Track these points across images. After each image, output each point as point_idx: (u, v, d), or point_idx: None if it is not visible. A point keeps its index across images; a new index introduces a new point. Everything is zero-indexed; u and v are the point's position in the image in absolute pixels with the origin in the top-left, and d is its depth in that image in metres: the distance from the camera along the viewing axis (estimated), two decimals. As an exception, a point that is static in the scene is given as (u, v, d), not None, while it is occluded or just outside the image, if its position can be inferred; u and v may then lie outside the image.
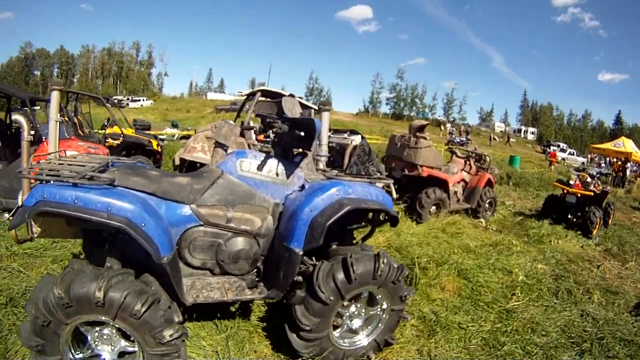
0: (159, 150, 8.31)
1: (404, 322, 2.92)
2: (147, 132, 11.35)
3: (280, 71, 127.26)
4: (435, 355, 2.81)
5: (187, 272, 2.45)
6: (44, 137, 5.08)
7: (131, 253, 2.32)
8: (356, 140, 6.00)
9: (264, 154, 2.55)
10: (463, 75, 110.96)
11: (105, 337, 2.14)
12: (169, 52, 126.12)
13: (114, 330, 2.12)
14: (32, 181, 2.24)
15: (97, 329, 2.10)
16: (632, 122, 70.45)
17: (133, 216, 1.98)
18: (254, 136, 3.06)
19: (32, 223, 2.29)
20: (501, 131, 54.64)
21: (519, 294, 3.91)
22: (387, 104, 60.51)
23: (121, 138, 7.63)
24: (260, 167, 2.49)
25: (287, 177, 2.54)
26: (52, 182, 2.01)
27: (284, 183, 2.54)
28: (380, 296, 2.53)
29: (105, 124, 8.80)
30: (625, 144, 19.67)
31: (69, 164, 2.19)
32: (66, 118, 6.39)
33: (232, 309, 3.16)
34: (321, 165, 2.77)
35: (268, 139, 2.66)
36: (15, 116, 2.52)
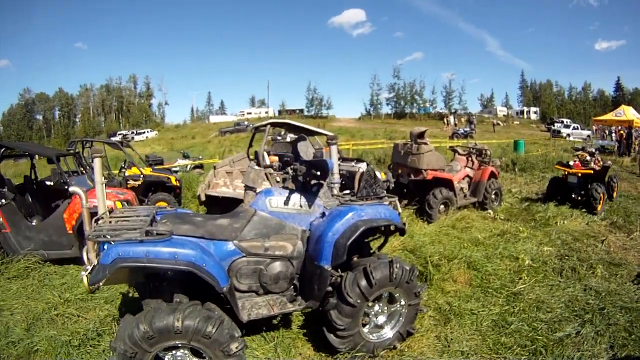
0: (178, 185, 8.73)
1: (422, 314, 3.39)
2: (160, 166, 11.83)
3: (278, 86, 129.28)
4: (452, 339, 3.26)
5: (236, 296, 2.91)
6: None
7: (190, 286, 2.78)
8: (362, 167, 6.60)
9: (287, 190, 3.06)
10: (461, 64, 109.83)
11: (179, 358, 2.48)
12: (166, 81, 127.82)
13: (186, 351, 2.52)
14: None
15: (173, 352, 2.50)
16: (632, 86, 69.26)
17: (196, 259, 2.46)
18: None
19: None
20: (504, 115, 54.51)
21: (525, 277, 4.26)
22: (387, 104, 60.56)
23: (141, 178, 8.07)
24: (286, 202, 3.01)
25: (309, 207, 3.07)
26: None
27: (308, 212, 3.06)
28: (398, 294, 3.02)
29: (123, 166, 9.32)
30: (626, 112, 19.75)
31: (122, 221, 2.63)
32: (88, 167, 6.78)
33: (275, 322, 3.60)
34: (335, 191, 3.28)
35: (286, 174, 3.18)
36: (73, 188, 2.95)
